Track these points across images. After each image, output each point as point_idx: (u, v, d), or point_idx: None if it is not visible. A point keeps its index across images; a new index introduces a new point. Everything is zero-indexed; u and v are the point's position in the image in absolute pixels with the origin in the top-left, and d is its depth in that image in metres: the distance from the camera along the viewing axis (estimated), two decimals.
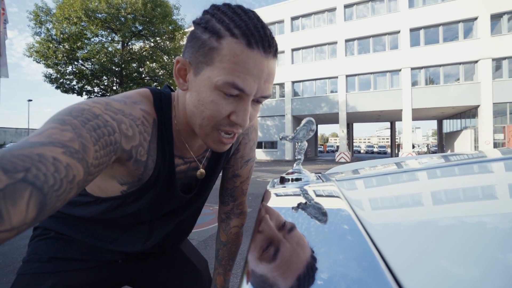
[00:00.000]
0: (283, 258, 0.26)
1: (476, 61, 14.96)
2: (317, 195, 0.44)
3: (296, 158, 0.57)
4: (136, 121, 0.46)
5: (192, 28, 0.46)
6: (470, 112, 16.35)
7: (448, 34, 15.91)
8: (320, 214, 0.35)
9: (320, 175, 0.60)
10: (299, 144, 0.57)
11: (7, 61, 6.04)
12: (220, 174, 0.72)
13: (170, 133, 0.52)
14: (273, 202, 0.44)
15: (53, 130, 0.33)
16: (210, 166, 0.61)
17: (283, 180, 0.54)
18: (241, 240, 0.78)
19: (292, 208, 0.39)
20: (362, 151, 51.74)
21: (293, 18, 19.84)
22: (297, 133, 0.56)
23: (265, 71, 0.43)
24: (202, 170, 0.59)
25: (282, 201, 0.45)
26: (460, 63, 15.46)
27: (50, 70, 14.64)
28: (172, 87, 0.58)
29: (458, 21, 15.44)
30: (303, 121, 0.57)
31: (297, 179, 0.52)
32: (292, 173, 0.54)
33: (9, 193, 0.25)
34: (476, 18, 14.96)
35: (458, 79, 15.65)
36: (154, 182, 0.52)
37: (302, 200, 0.42)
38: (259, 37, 0.41)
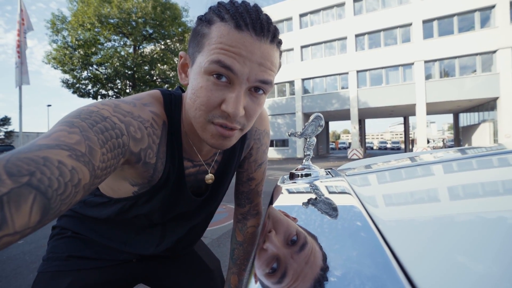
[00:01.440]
0: (292, 259, 0.26)
1: (495, 51, 14.31)
2: (327, 190, 0.46)
3: (305, 154, 0.58)
4: (145, 123, 0.45)
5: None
6: (488, 105, 15.67)
7: (463, 24, 15.28)
8: (330, 210, 0.36)
9: (330, 170, 0.61)
10: (308, 140, 0.58)
11: (28, 69, 6.33)
12: (234, 178, 0.72)
13: (179, 136, 0.51)
14: (283, 198, 0.45)
15: (60, 132, 0.33)
16: (220, 170, 0.61)
17: (292, 176, 0.56)
18: (257, 240, 0.80)
19: (302, 203, 0.40)
20: (375, 147, 50.57)
21: (302, 15, 19.62)
22: (306, 129, 0.57)
23: (257, 53, 0.40)
24: (211, 175, 0.58)
25: (291, 197, 0.46)
26: (477, 54, 14.82)
27: (67, 76, 15.16)
28: (184, 89, 0.57)
29: (474, 10, 14.79)
30: (312, 117, 0.58)
31: (307, 175, 0.54)
32: (302, 169, 0.56)
33: (13, 197, 0.25)
34: (493, 6, 14.29)
35: (475, 71, 15.02)
36: (164, 184, 0.52)
37: (311, 195, 0.44)
38: (249, 20, 0.40)
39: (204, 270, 0.76)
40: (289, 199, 0.45)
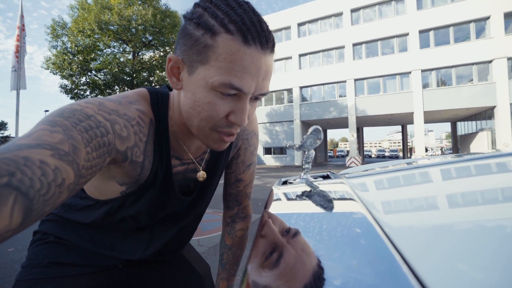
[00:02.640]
0: (286, 265, 0.25)
1: (490, 61, 14.55)
2: (326, 192, 0.42)
3: (303, 167, 0.55)
4: (131, 121, 0.45)
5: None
6: (485, 114, 15.83)
7: (459, 35, 15.58)
8: (329, 208, 0.34)
9: (328, 173, 0.58)
10: (306, 152, 0.55)
11: (27, 74, 6.34)
12: (222, 179, 0.71)
13: (166, 134, 0.51)
14: (279, 202, 0.42)
15: (42, 131, 0.32)
16: (209, 169, 0.60)
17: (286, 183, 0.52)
18: (246, 244, 0.77)
19: (300, 207, 0.37)
20: (373, 156, 50.73)
21: (300, 24, 19.95)
22: (304, 142, 0.54)
23: (263, 68, 0.41)
24: (202, 172, 0.57)
25: (288, 201, 0.43)
26: (473, 64, 15.06)
27: (66, 81, 15.23)
28: (170, 87, 0.56)
29: (469, 21, 15.12)
30: (310, 130, 0.55)
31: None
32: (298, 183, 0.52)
33: None
34: (488, 18, 14.61)
35: (472, 80, 15.23)
36: (152, 183, 0.51)
37: (309, 197, 0.41)
38: (255, 33, 0.39)
39: (193, 275, 0.73)
40: (286, 204, 0.41)
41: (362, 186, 0.43)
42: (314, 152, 0.57)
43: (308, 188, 0.42)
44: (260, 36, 0.39)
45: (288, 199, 0.44)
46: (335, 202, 0.34)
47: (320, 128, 0.55)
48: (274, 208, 0.39)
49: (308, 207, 0.35)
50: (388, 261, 0.21)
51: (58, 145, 0.31)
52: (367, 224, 0.27)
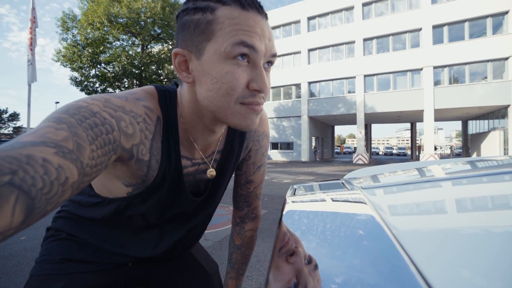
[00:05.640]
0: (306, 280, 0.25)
1: (507, 58, 14.06)
2: (343, 207, 0.41)
3: None
4: (137, 118, 0.44)
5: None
6: (499, 112, 15.38)
7: (474, 30, 15.07)
8: (346, 225, 0.33)
9: (344, 181, 0.56)
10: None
11: (39, 66, 6.43)
12: (232, 180, 0.71)
13: (176, 131, 0.49)
14: (294, 214, 0.41)
15: (47, 129, 0.32)
16: (219, 168, 0.60)
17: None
18: (255, 244, 0.78)
19: (314, 225, 0.36)
20: (380, 153, 50.13)
21: (310, 18, 19.61)
22: None
23: (266, 30, 0.43)
24: (212, 169, 0.56)
25: (303, 215, 0.42)
26: (488, 61, 14.59)
27: (76, 74, 15.42)
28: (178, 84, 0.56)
29: (486, 16, 14.58)
30: None
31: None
32: None
33: None
34: (506, 12, 14.06)
35: (486, 77, 14.78)
36: (160, 185, 0.50)
37: (325, 212, 0.40)
38: (250, 0, 0.42)
39: (201, 274, 0.74)
40: (301, 218, 0.40)
41: (382, 202, 0.42)
42: None
43: (324, 205, 0.41)
44: (254, 3, 0.42)
45: (302, 212, 0.43)
46: (354, 226, 0.33)
47: None
48: (289, 223, 0.39)
49: (323, 228, 0.34)
50: None
51: (62, 143, 0.31)
52: (390, 246, 0.25)
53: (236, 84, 0.41)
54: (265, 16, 0.44)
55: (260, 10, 0.42)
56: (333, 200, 0.44)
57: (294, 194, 0.49)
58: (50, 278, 0.57)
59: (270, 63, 0.45)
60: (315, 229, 0.35)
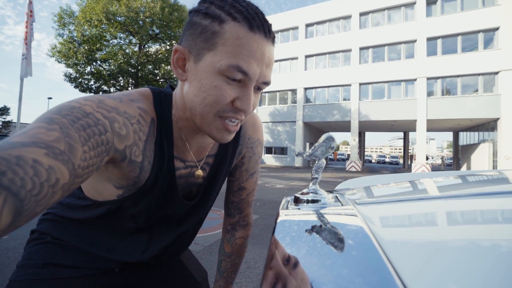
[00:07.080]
0: None
1: (497, 73, 14.46)
2: (337, 226, 0.40)
3: (312, 176, 0.53)
4: (131, 119, 0.44)
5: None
6: (488, 125, 15.76)
7: (467, 44, 15.48)
8: (339, 247, 0.32)
9: (337, 196, 0.56)
10: (317, 162, 0.53)
11: (34, 61, 6.34)
12: (225, 185, 0.70)
13: (170, 133, 0.50)
14: (286, 230, 0.40)
15: (38, 129, 0.31)
16: (211, 172, 0.59)
17: (297, 201, 0.50)
18: (245, 252, 0.77)
19: (309, 240, 0.35)
20: (373, 161, 50.65)
21: (308, 25, 19.86)
22: (315, 150, 0.52)
23: (266, 55, 0.43)
24: (200, 171, 0.56)
25: (295, 228, 0.41)
26: (479, 74, 14.98)
27: (70, 70, 15.24)
28: (174, 86, 0.56)
29: (478, 31, 15.01)
30: (322, 137, 0.52)
31: (313, 201, 0.49)
32: (307, 193, 0.50)
33: None
34: (497, 28, 14.51)
35: (477, 90, 15.15)
36: (151, 186, 0.50)
37: (319, 229, 0.39)
38: (259, 22, 0.42)
39: (190, 281, 0.72)
40: (293, 233, 0.39)
41: (378, 222, 0.41)
42: (324, 162, 0.55)
43: (317, 223, 0.40)
44: (263, 26, 0.42)
45: (295, 226, 0.42)
46: (346, 242, 0.32)
47: (333, 137, 0.53)
48: (282, 239, 0.38)
49: (317, 246, 0.33)
50: None
51: (53, 144, 0.30)
52: (383, 269, 0.25)
53: (221, 99, 0.43)
54: (272, 39, 0.44)
55: (267, 34, 0.43)
56: (326, 214, 0.43)
57: (287, 207, 0.48)
58: (31, 284, 0.54)
59: (259, 88, 0.46)
60: (308, 239, 0.34)
